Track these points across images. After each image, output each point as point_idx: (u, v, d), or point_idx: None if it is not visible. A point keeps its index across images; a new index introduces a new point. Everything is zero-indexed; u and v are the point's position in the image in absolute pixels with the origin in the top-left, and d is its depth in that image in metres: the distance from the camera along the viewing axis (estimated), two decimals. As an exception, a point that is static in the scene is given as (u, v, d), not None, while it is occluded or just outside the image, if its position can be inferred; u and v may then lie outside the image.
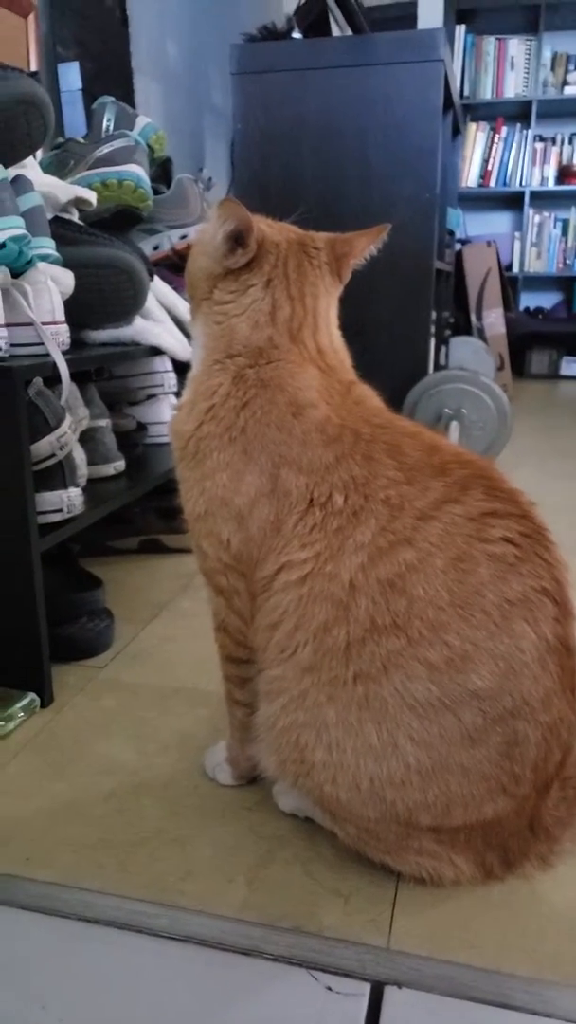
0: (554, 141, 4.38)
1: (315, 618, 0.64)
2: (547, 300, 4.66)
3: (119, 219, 1.30)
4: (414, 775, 0.62)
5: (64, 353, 1.00)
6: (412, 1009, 0.57)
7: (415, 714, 0.61)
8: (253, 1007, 0.57)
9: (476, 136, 4.40)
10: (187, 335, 1.40)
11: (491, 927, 0.65)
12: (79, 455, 1.14)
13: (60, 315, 1.01)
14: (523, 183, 4.40)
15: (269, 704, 0.69)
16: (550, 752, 0.64)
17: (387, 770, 0.62)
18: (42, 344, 0.97)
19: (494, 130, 4.38)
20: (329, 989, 0.58)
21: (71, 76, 1.77)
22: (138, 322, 1.25)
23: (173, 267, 1.52)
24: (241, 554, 0.70)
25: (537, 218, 4.48)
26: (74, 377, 1.02)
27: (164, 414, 1.51)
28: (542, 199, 4.47)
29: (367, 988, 0.58)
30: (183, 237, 1.52)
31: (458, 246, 3.47)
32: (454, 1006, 0.57)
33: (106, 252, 1.15)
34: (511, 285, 4.24)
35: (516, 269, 4.51)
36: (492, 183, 4.44)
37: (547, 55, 4.22)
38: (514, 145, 4.38)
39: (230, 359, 0.71)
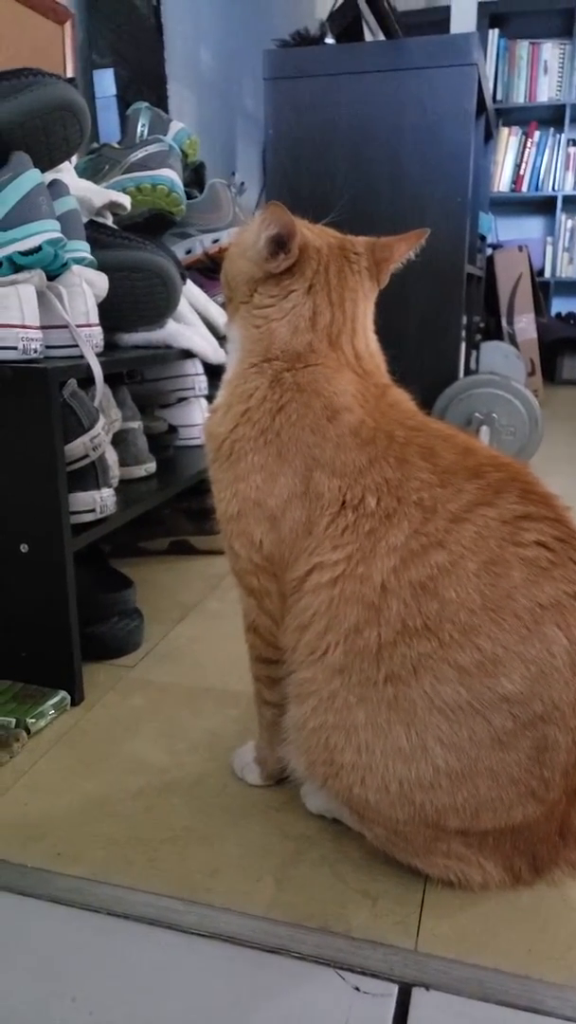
0: (587, 145, 4.34)
1: (346, 620, 0.64)
2: (579, 305, 4.61)
3: (152, 223, 1.32)
4: (443, 778, 0.62)
5: (98, 355, 1.01)
6: (440, 1012, 0.57)
7: (444, 717, 0.61)
8: (281, 1005, 0.57)
9: (508, 140, 4.37)
10: (219, 338, 1.41)
11: (520, 932, 0.64)
12: (111, 456, 1.16)
13: (94, 317, 1.03)
14: (556, 188, 4.36)
15: (299, 706, 0.69)
16: (581, 757, 0.64)
17: (416, 772, 0.62)
18: (76, 346, 0.99)
19: (527, 134, 4.34)
20: (357, 989, 0.58)
21: (106, 82, 1.79)
22: (170, 325, 1.27)
23: (205, 271, 1.54)
24: (273, 555, 0.70)
25: (569, 223, 4.44)
26: (107, 379, 1.03)
27: (195, 417, 1.52)
28: (575, 204, 4.43)
29: (395, 989, 0.58)
30: (215, 241, 1.54)
31: (489, 251, 3.45)
32: (482, 1009, 0.56)
33: (140, 256, 1.17)
34: (543, 290, 4.20)
35: (548, 274, 4.47)
36: (524, 188, 4.41)
37: (581, 59, 4.18)
38: (547, 149, 4.34)
39: (267, 363, 0.71)
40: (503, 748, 0.61)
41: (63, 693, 0.98)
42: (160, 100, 2.02)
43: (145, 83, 1.95)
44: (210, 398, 1.53)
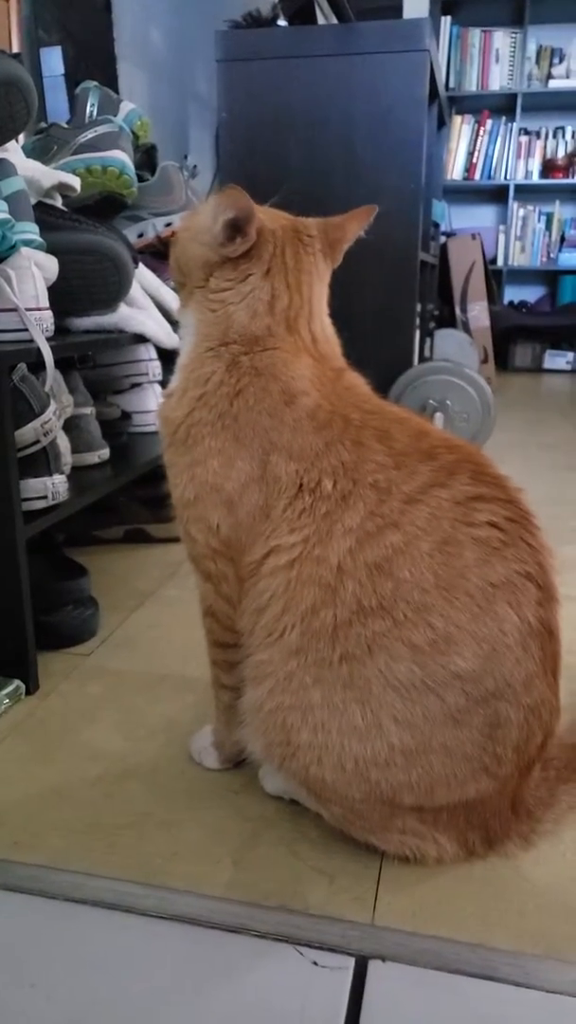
0: (538, 135, 4.40)
1: (303, 601, 0.65)
2: (531, 294, 4.69)
3: (103, 205, 1.30)
4: (398, 755, 0.63)
5: (48, 339, 0.99)
6: (396, 982, 0.58)
7: (399, 695, 0.62)
8: (241, 983, 0.58)
9: (461, 128, 4.40)
10: (172, 323, 1.40)
11: (473, 903, 0.66)
12: (63, 442, 1.14)
13: (44, 301, 1.01)
14: (508, 176, 4.41)
15: (256, 688, 0.69)
16: (532, 734, 0.65)
17: (371, 750, 0.63)
18: (26, 330, 0.97)
19: (479, 123, 4.38)
20: (315, 964, 0.59)
21: (53, 61, 1.75)
22: (122, 309, 1.25)
23: (157, 254, 1.52)
24: (230, 540, 0.70)
25: (521, 212, 4.50)
26: (58, 364, 1.01)
27: (149, 403, 1.51)
28: (526, 193, 4.49)
29: (352, 962, 0.59)
30: (168, 224, 1.52)
31: (443, 239, 3.48)
32: (438, 978, 0.58)
33: (90, 238, 1.15)
34: (495, 278, 4.26)
35: (500, 262, 4.53)
36: (477, 176, 4.45)
37: (532, 48, 4.23)
38: (499, 138, 4.39)
39: (224, 347, 0.71)
40: (456, 725, 0.62)
41: (17, 682, 0.97)
42: (110, 80, 1.98)
43: (94, 63, 1.91)
44: (164, 383, 1.52)
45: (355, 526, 0.64)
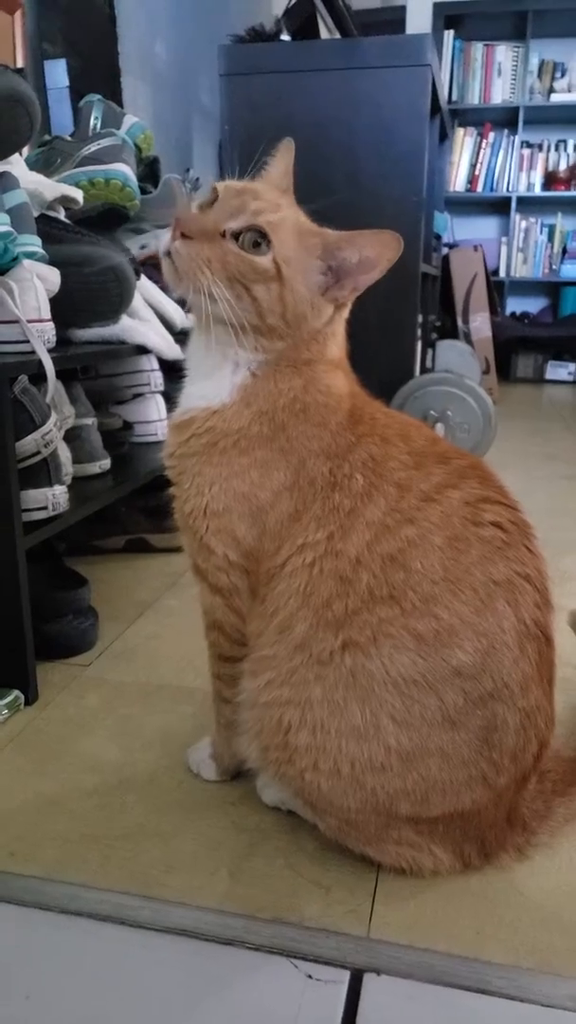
0: (540, 147, 4.42)
1: (321, 595, 0.65)
2: (533, 305, 4.70)
3: (106, 218, 1.30)
4: (394, 758, 0.63)
5: (50, 351, 1.00)
6: (390, 995, 0.58)
7: (398, 692, 0.62)
8: (235, 995, 0.58)
9: (464, 141, 4.43)
10: (174, 334, 1.41)
11: (469, 916, 0.66)
12: (64, 453, 1.15)
13: (46, 313, 1.02)
14: (510, 188, 4.43)
15: (253, 680, 0.70)
16: (528, 742, 0.66)
17: (368, 752, 0.63)
18: (27, 342, 0.97)
19: (481, 135, 4.41)
20: (309, 977, 0.59)
21: (58, 73, 1.77)
22: (124, 321, 1.26)
23: (159, 267, 1.53)
24: (252, 550, 0.70)
25: (523, 223, 4.52)
26: (60, 375, 1.02)
27: (151, 413, 1.51)
28: (528, 205, 4.51)
29: (347, 975, 0.59)
30: (170, 237, 1.52)
31: (445, 250, 3.49)
32: (432, 991, 0.58)
33: (92, 250, 1.16)
34: (497, 289, 4.28)
35: (503, 274, 4.54)
36: (479, 188, 4.47)
37: (534, 62, 4.26)
38: (501, 151, 4.41)
39: (292, 367, 0.70)
40: (453, 727, 0.63)
41: (16, 692, 0.97)
42: (114, 93, 2.00)
43: (98, 75, 1.92)
44: (166, 394, 1.53)
45: (376, 520, 0.65)
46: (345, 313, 0.72)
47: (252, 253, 0.64)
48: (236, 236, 0.64)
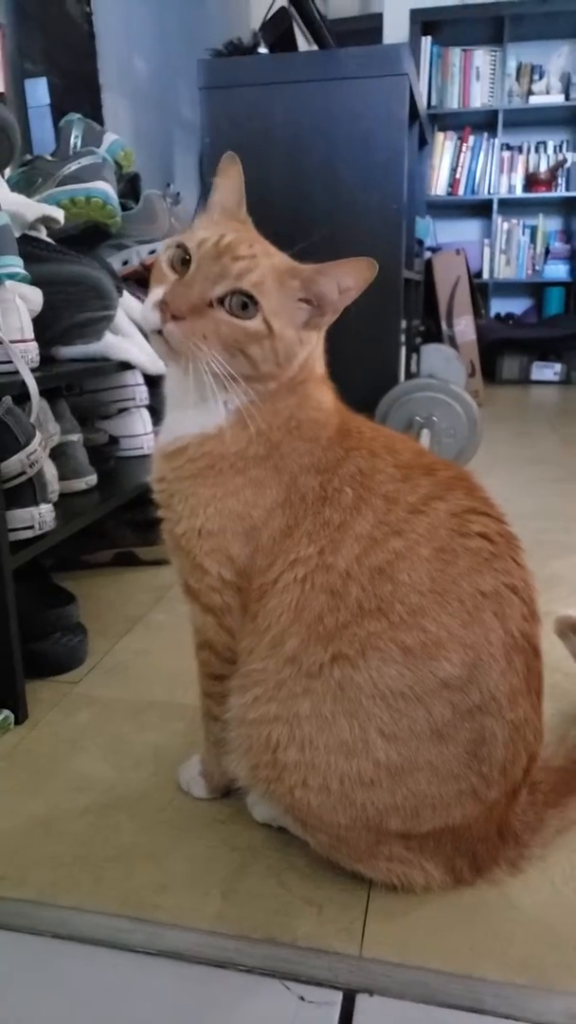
0: (520, 150, 4.46)
1: (312, 610, 0.66)
2: (517, 306, 4.73)
3: (88, 235, 1.31)
4: (383, 773, 0.63)
5: (33, 370, 1.00)
6: (383, 1016, 0.58)
7: (387, 705, 0.63)
8: (227, 1020, 0.58)
9: (444, 145, 4.46)
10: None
11: (462, 932, 0.66)
12: (50, 470, 1.14)
13: (29, 333, 1.02)
14: (491, 191, 4.46)
15: (240, 696, 0.70)
16: (517, 754, 0.66)
17: (357, 768, 0.64)
18: (11, 362, 0.98)
19: (461, 139, 4.44)
20: (302, 999, 0.59)
21: (39, 91, 1.77)
22: (108, 337, 1.26)
23: (142, 282, 1.53)
24: (245, 568, 0.70)
25: (506, 225, 4.55)
26: (44, 392, 1.02)
27: (136, 427, 1.51)
28: (510, 207, 4.54)
29: (339, 997, 0.59)
30: (152, 252, 1.53)
31: (428, 254, 3.51)
32: (425, 1012, 0.58)
33: (75, 269, 1.16)
34: (481, 291, 4.30)
35: (486, 276, 4.57)
36: (461, 191, 4.50)
37: (512, 65, 4.29)
38: (481, 154, 4.44)
39: (287, 387, 0.70)
40: (442, 741, 0.63)
41: (6, 712, 0.97)
42: (95, 109, 2.00)
43: (79, 92, 1.93)
44: (152, 408, 1.53)
45: (364, 533, 0.66)
46: (324, 331, 0.72)
47: (242, 318, 0.64)
48: (222, 300, 0.64)
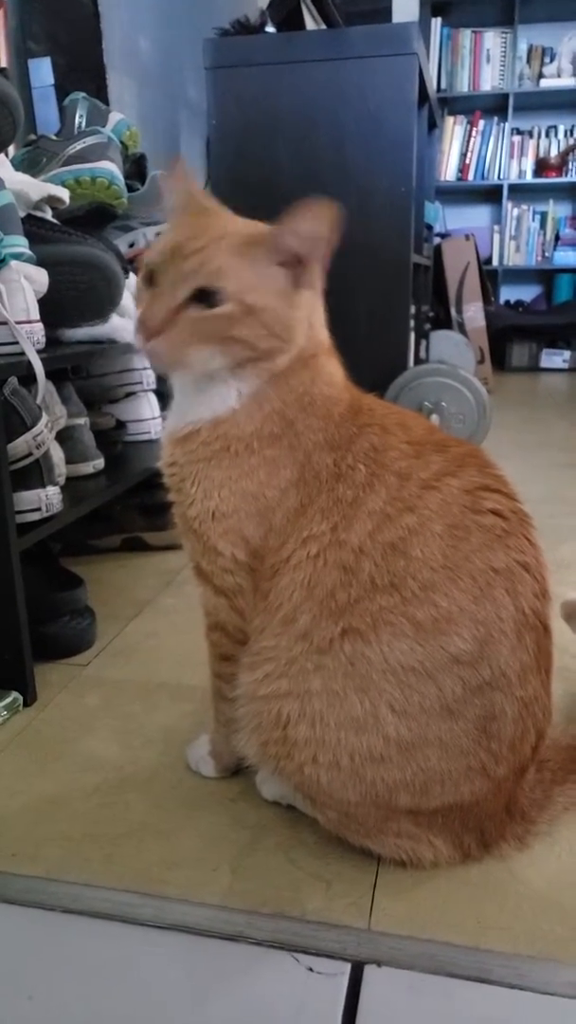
0: (531, 134, 4.41)
1: (324, 586, 0.66)
2: (527, 293, 4.69)
3: (93, 216, 1.30)
4: (394, 749, 0.63)
5: (39, 352, 1.00)
6: (392, 986, 0.58)
7: (397, 681, 0.63)
8: (238, 991, 0.58)
9: (454, 129, 4.41)
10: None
11: (469, 906, 0.66)
12: (57, 454, 1.14)
13: (35, 314, 1.01)
14: (501, 176, 4.42)
15: (251, 673, 0.70)
16: (526, 732, 0.66)
17: (367, 744, 0.64)
18: (17, 343, 0.97)
19: (471, 123, 4.39)
20: (311, 970, 0.59)
21: (43, 71, 1.76)
22: (114, 319, 1.25)
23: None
24: (260, 548, 0.70)
25: (516, 211, 4.51)
26: (51, 375, 1.02)
27: (144, 411, 1.51)
28: (520, 192, 4.50)
29: (348, 968, 0.59)
30: (158, 234, 1.52)
31: (437, 240, 3.49)
32: (433, 982, 0.58)
33: (80, 250, 1.15)
34: (491, 278, 4.27)
35: (496, 262, 4.53)
36: (470, 177, 4.46)
37: (523, 48, 4.24)
38: (491, 138, 4.40)
39: (299, 361, 0.69)
40: (452, 716, 0.63)
41: (15, 694, 0.98)
42: (100, 89, 1.99)
43: (84, 72, 1.91)
44: (159, 392, 1.52)
45: (377, 509, 0.65)
46: (320, 287, 0.70)
47: (215, 307, 0.63)
48: (192, 299, 0.64)
